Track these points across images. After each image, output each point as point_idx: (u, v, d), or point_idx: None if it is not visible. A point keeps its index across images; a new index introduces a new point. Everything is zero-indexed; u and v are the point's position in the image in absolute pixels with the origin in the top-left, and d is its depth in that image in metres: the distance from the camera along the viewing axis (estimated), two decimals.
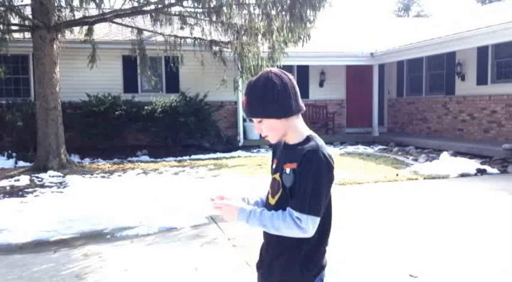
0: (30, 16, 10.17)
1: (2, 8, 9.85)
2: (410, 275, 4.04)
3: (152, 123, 12.39)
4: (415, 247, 4.85)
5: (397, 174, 9.00)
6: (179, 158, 11.96)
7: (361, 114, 16.16)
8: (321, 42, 13.21)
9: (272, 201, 1.81)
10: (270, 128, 1.78)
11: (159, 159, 11.72)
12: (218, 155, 12.56)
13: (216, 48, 11.14)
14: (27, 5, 10.63)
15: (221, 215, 1.80)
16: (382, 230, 5.50)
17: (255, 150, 13.26)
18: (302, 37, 10.32)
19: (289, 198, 1.72)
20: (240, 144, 13.73)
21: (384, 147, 13.62)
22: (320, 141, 1.77)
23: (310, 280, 1.79)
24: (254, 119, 1.81)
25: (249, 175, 8.98)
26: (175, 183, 8.55)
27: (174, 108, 12.43)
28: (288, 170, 1.73)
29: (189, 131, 12.50)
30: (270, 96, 1.73)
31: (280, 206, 1.75)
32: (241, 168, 10.22)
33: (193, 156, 12.22)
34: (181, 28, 11.02)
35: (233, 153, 12.73)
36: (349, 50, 14.79)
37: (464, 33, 11.45)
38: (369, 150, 13.25)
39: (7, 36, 10.26)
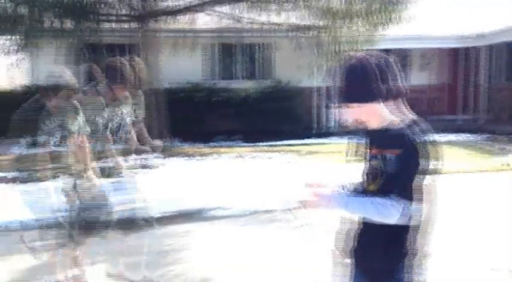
0: (122, 6, 10.67)
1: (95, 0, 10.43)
2: (492, 269, 3.85)
3: (246, 109, 12.61)
4: (502, 242, 4.50)
5: (503, 165, 8.33)
6: (269, 143, 12.09)
7: (465, 100, 15.14)
8: (421, 23, 12.50)
9: (369, 188, 1.80)
10: (366, 114, 1.77)
11: (251, 144, 11.92)
12: (308, 141, 12.50)
13: (311, 33, 10.99)
14: None
15: (316, 200, 1.82)
16: (474, 222, 5.15)
17: (344, 137, 12.96)
18: (400, 19, 9.85)
19: (388, 184, 1.69)
20: (329, 130, 13.57)
21: (489, 135, 12.64)
22: (423, 126, 1.74)
23: (399, 267, 1.76)
24: (347, 105, 1.79)
25: (339, 162, 8.80)
26: (266, 167, 8.65)
27: (267, 95, 12.54)
28: (387, 156, 1.70)
29: (279, 117, 12.59)
30: (363, 81, 1.71)
31: (378, 192, 1.73)
32: (331, 154, 10.08)
33: (283, 142, 12.29)
34: (277, 14, 11.00)
35: (323, 140, 12.57)
36: (452, 31, 13.84)
37: None
38: (472, 138, 12.43)
39: (98, 27, 10.77)
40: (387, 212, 1.66)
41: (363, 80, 1.71)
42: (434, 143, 1.71)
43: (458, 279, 3.76)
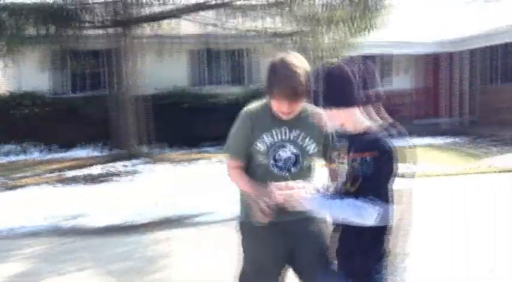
0: (105, 12, 10.65)
1: (77, 7, 10.37)
2: (488, 270, 3.94)
3: (219, 115, 12.57)
4: (491, 242, 4.65)
5: (474, 167, 8.62)
6: None
7: (435, 104, 15.52)
8: (388, 30, 12.81)
9: (346, 190, 1.83)
10: (342, 117, 1.83)
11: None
12: None
13: (279, 40, 11.12)
14: (104, 2, 11.12)
15: (292, 203, 1.85)
16: (454, 224, 5.30)
17: None
18: (369, 26, 10.07)
19: (363, 187, 1.74)
20: None
21: (459, 139, 12.98)
22: (400, 130, 1.80)
23: (370, 267, 1.81)
24: (328, 108, 1.85)
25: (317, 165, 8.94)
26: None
27: (239, 100, 12.57)
28: (363, 159, 1.75)
29: None
30: (337, 87, 1.77)
31: (353, 194, 1.77)
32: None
33: None
34: (246, 21, 11.11)
35: None
36: (418, 38, 14.22)
37: None
38: (443, 141, 12.69)
39: (81, 33, 10.71)
40: (365, 214, 1.70)
41: (340, 86, 1.78)
42: (411, 146, 1.77)
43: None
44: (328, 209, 1.79)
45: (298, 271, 2.37)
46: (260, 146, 2.31)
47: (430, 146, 11.72)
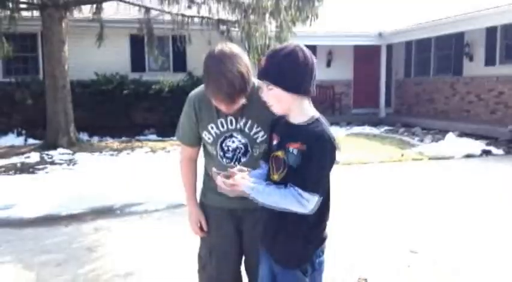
0: None
1: None
2: (411, 251, 4.16)
3: (160, 102, 12.48)
4: (416, 225, 4.95)
5: (402, 155, 9.07)
6: None
7: (368, 95, 16.12)
8: (328, 21, 13.14)
9: (275, 178, 1.85)
10: (276, 98, 1.79)
11: (166, 138, 11.81)
12: None
13: (223, 27, 11.12)
14: None
15: (227, 190, 1.85)
16: (384, 209, 5.60)
17: None
18: (310, 16, 10.26)
19: (293, 176, 1.76)
20: None
21: (391, 128, 13.65)
22: (326, 123, 1.82)
23: (311, 252, 1.87)
24: (265, 84, 1.79)
25: None
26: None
27: (181, 88, 12.49)
28: (294, 150, 1.77)
29: None
30: (289, 67, 1.74)
31: (282, 183, 1.79)
32: None
33: None
34: (189, 7, 11.00)
35: None
36: (357, 29, 14.69)
37: (473, 13, 11.35)
38: (375, 130, 13.28)
39: (16, 15, 10.30)
40: (288, 202, 1.73)
41: (303, 72, 1.76)
42: (334, 138, 1.79)
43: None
44: (262, 196, 1.79)
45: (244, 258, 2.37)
46: (208, 137, 2.23)
47: (350, 135, 12.21)
